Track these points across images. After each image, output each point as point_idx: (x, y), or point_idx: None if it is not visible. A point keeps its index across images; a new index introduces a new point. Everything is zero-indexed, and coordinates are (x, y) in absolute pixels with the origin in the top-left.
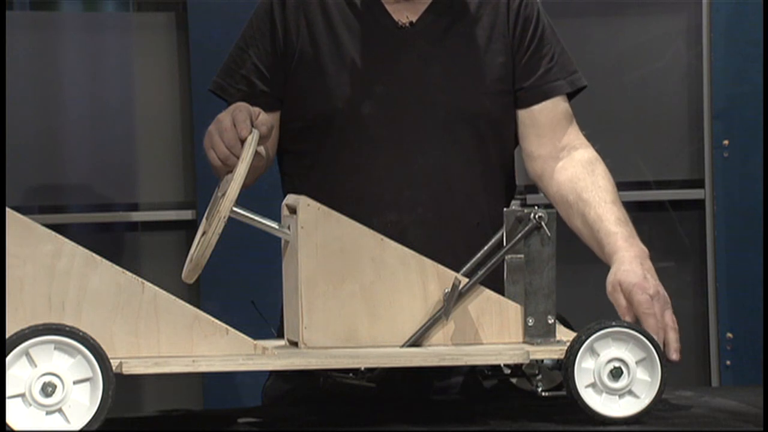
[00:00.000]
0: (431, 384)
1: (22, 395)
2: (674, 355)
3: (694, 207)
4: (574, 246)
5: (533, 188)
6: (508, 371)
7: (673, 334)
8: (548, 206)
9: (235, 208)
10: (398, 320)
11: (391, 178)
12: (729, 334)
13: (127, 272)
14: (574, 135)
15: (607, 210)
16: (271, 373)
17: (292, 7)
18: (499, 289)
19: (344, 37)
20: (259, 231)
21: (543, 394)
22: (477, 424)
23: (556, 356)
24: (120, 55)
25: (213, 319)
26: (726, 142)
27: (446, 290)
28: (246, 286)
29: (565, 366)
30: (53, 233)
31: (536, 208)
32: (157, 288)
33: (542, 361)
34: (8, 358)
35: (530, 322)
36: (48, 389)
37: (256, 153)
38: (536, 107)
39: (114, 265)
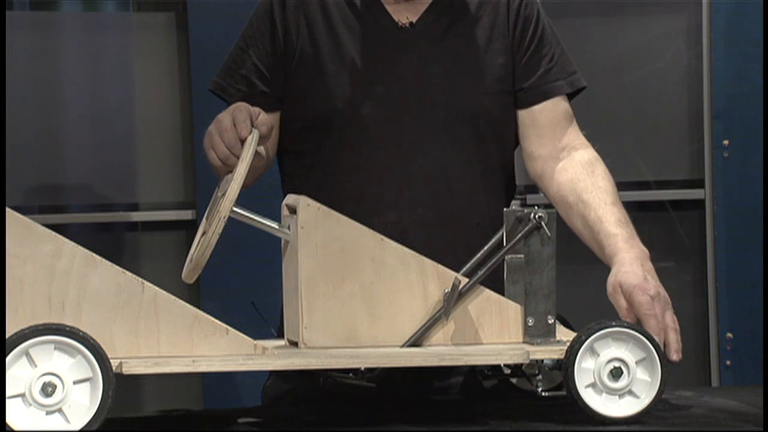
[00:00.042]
0: (431, 384)
1: (22, 395)
2: (675, 356)
3: (694, 207)
4: (574, 246)
5: (533, 188)
6: (508, 371)
7: (673, 334)
8: (548, 206)
9: (235, 208)
10: (398, 320)
11: (391, 178)
12: (729, 334)
13: (127, 272)
14: (574, 135)
15: (607, 211)
16: (271, 373)
17: (292, 7)
18: (499, 289)
19: (344, 38)
20: (259, 231)
21: (543, 394)
22: (477, 424)
23: (556, 356)
24: (120, 55)
25: (213, 319)
26: (726, 142)
27: (446, 290)
28: (246, 286)
29: (565, 366)
30: (53, 233)
31: (536, 208)
32: (157, 288)
33: (542, 361)
34: (8, 358)
35: (530, 322)
36: (48, 389)
37: (256, 153)
38: (536, 107)
39: (114, 265)
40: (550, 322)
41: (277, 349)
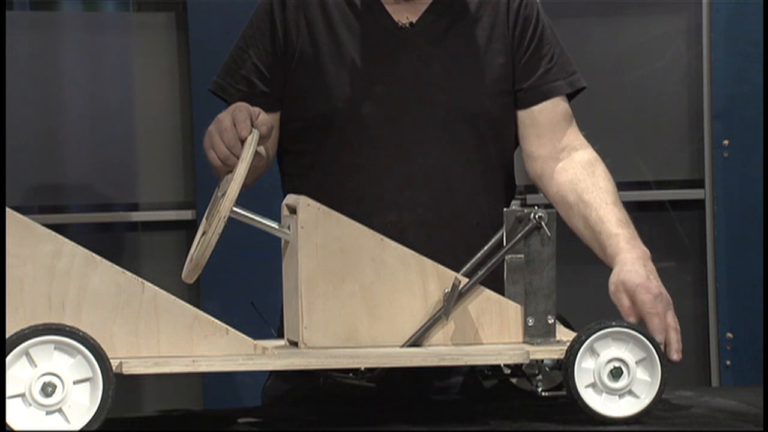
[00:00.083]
0: (431, 384)
1: (22, 395)
2: (675, 356)
3: (694, 207)
4: (574, 246)
5: (533, 188)
6: (508, 371)
7: (674, 334)
8: (548, 206)
9: (235, 208)
10: (398, 320)
11: (391, 178)
12: (729, 334)
13: (127, 272)
14: (574, 135)
15: (608, 211)
16: (271, 373)
17: (292, 7)
18: (499, 289)
19: (344, 38)
20: (259, 231)
21: (543, 394)
22: (477, 424)
23: (556, 356)
24: (120, 55)
25: (213, 319)
26: (726, 142)
27: (446, 290)
28: (246, 286)
29: (565, 366)
30: (53, 233)
31: (536, 208)
32: (157, 288)
33: (542, 361)
34: (8, 358)
35: (530, 322)
36: (48, 389)
37: (256, 153)
38: (536, 108)
39: (114, 265)
40: (550, 322)
41: (277, 349)
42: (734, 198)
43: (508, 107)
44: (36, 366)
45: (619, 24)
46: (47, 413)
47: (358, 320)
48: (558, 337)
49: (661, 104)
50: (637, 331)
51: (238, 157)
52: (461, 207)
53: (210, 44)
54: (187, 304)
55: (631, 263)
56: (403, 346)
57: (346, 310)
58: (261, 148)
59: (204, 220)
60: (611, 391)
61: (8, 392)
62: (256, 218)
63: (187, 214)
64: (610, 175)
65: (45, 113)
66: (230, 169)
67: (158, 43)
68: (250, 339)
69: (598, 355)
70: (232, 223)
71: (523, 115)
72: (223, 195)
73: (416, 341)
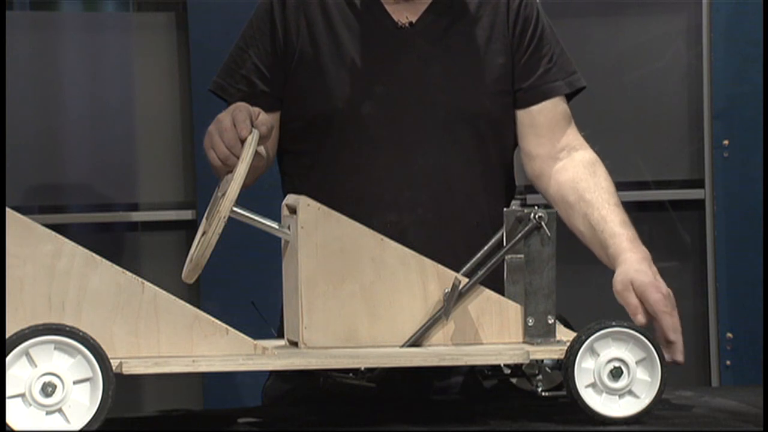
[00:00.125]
0: (431, 384)
1: (22, 395)
2: (680, 357)
3: (694, 207)
4: (574, 246)
5: (533, 188)
6: (508, 371)
7: (680, 336)
8: (548, 206)
9: (235, 208)
10: (398, 320)
11: (391, 178)
12: (729, 334)
13: (127, 272)
14: (573, 136)
15: (611, 211)
16: (271, 373)
17: (292, 7)
18: (499, 289)
19: (344, 37)
20: (259, 231)
21: (543, 394)
22: (477, 424)
23: (556, 356)
24: (120, 55)
25: (213, 319)
26: (726, 142)
27: (446, 290)
28: (246, 286)
29: (565, 366)
30: (53, 233)
31: (536, 208)
32: (157, 288)
33: (542, 361)
34: (8, 358)
35: (530, 322)
36: (48, 389)
37: (256, 153)
38: (535, 107)
39: (114, 265)
40: (550, 322)
41: (277, 349)
42: (734, 198)
43: (508, 107)
44: (36, 366)
45: (619, 24)
46: (47, 413)
47: (358, 320)
48: (558, 337)
49: (661, 104)
50: (637, 331)
51: (238, 157)
52: (461, 207)
53: (210, 44)
54: (187, 304)
55: (638, 263)
56: (403, 346)
57: (346, 310)
58: (261, 148)
59: (204, 220)
60: (611, 391)
61: (8, 392)
62: (256, 218)
63: (187, 214)
64: (610, 176)
65: (45, 113)
66: (230, 169)
67: (158, 43)
68: (250, 339)
69: (598, 355)
70: (232, 223)
71: (522, 114)
72: (223, 195)
73: (416, 341)
